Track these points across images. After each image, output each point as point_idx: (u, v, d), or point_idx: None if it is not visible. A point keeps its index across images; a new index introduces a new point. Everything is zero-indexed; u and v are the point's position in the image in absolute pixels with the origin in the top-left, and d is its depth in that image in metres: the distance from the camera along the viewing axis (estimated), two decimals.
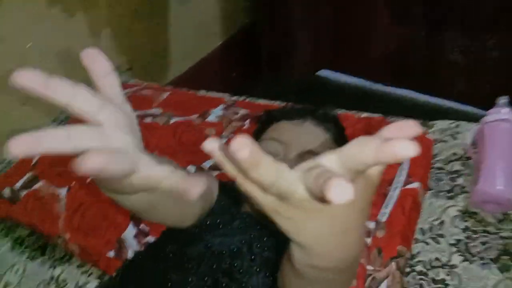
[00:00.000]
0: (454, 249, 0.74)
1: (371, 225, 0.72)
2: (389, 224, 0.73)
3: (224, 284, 0.56)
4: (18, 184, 0.91)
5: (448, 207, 0.80)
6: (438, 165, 0.87)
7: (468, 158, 0.86)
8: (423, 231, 0.78)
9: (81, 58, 0.33)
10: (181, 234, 0.61)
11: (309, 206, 0.29)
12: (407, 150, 0.25)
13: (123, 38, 1.49)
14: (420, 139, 0.87)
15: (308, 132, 0.71)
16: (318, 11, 1.95)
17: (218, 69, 2.00)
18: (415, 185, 0.78)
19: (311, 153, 0.67)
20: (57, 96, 0.29)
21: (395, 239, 0.71)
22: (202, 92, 1.17)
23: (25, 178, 0.91)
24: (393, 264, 0.68)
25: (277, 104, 1.07)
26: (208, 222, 0.62)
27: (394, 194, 0.76)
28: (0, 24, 1.15)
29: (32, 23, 1.22)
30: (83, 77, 0.35)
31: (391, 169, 0.80)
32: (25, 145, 0.27)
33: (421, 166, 0.82)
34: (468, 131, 0.90)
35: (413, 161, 0.82)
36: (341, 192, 0.24)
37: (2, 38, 1.15)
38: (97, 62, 0.33)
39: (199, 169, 0.87)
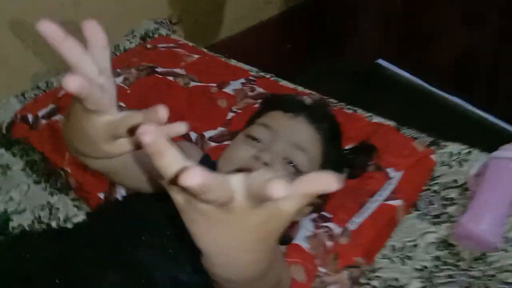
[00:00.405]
0: (417, 274, 0.73)
1: (337, 230, 0.73)
2: (356, 234, 0.73)
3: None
4: (41, 113, 0.99)
5: (428, 232, 0.79)
6: (434, 188, 0.85)
7: (467, 189, 0.83)
8: (394, 248, 0.77)
9: (81, 28, 0.38)
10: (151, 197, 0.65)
11: (213, 214, 0.31)
12: (277, 191, 0.26)
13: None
14: (423, 158, 0.84)
15: (299, 127, 0.71)
16: None
17: (272, 38, 1.99)
18: (396, 202, 0.77)
19: (297, 147, 0.68)
20: (69, 54, 0.35)
21: (356, 249, 0.71)
22: (233, 62, 1.18)
23: (48, 108, 0.99)
24: (345, 273, 0.69)
25: (300, 89, 1.07)
26: None
27: (371, 206, 0.76)
28: None
29: None
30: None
31: (378, 181, 0.79)
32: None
33: (412, 185, 0.80)
34: (478, 161, 0.86)
35: (405, 178, 0.80)
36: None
37: None
38: (96, 34, 0.38)
39: (200, 136, 0.91)
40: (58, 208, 0.87)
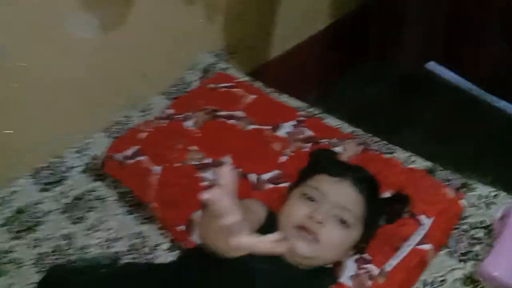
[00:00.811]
0: None
1: (376, 271, 0.89)
2: (392, 274, 0.88)
3: None
4: (126, 153, 1.19)
5: (456, 268, 0.93)
6: (463, 227, 0.98)
7: (492, 230, 0.95)
8: (425, 283, 0.92)
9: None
10: None
11: None
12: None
13: (233, 23, 1.67)
14: (452, 204, 0.97)
15: (345, 191, 0.86)
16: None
17: (320, 51, 2.10)
18: (427, 246, 0.91)
19: (343, 208, 0.83)
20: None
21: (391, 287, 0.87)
22: (285, 97, 1.34)
23: (133, 149, 1.20)
24: None
25: (345, 126, 1.22)
26: None
27: (405, 250, 0.90)
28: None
29: (159, 7, 1.44)
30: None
31: (411, 227, 0.93)
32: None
33: (441, 230, 0.94)
34: (504, 204, 0.97)
35: (435, 224, 0.94)
36: None
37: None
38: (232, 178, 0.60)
39: (258, 178, 1.08)
40: (148, 236, 1.08)
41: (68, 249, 1.08)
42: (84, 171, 1.28)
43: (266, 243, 0.59)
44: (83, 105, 1.34)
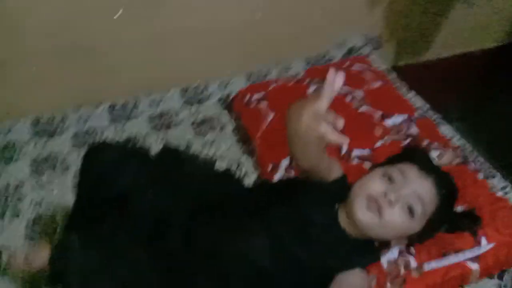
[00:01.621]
0: None
1: (414, 264, 0.93)
2: (428, 274, 0.93)
3: None
4: (254, 97, 1.40)
5: None
6: None
7: None
8: None
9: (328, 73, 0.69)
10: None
11: None
12: None
13: (394, 15, 1.72)
14: None
15: (426, 186, 0.87)
16: None
17: (479, 68, 2.00)
18: (473, 266, 0.93)
19: (418, 200, 0.85)
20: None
21: (421, 284, 0.92)
22: (411, 94, 1.38)
23: (260, 94, 1.41)
24: None
25: (456, 138, 1.22)
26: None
27: (452, 259, 0.93)
28: None
29: None
30: None
31: (468, 243, 0.94)
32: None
33: (496, 259, 0.94)
34: None
35: (493, 251, 0.94)
36: None
37: None
38: (336, 82, 0.69)
39: (349, 151, 1.18)
40: (243, 165, 1.29)
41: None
42: (219, 100, 1.55)
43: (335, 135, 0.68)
44: (242, 52, 1.61)
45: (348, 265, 0.89)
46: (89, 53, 1.45)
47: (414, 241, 0.93)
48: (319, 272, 0.88)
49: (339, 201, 0.92)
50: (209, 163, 1.16)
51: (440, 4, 1.73)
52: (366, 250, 0.93)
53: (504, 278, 0.96)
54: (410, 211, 0.84)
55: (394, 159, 0.97)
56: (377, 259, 0.95)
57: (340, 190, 0.92)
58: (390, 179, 0.86)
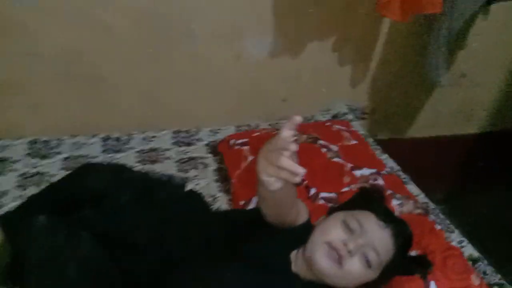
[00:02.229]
0: None
1: None
2: None
3: None
4: (238, 141, 1.50)
5: None
6: None
7: None
8: None
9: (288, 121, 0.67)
10: None
11: None
12: None
13: (378, 89, 1.87)
14: None
15: (382, 237, 0.91)
16: None
17: (463, 153, 2.10)
18: None
19: (374, 250, 0.88)
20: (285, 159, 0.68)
21: None
22: (384, 156, 1.47)
23: (243, 140, 1.50)
24: None
25: (422, 196, 1.28)
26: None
27: None
28: None
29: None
30: None
31: (418, 286, 0.96)
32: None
33: None
34: None
35: None
36: None
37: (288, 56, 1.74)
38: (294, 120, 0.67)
39: (316, 193, 1.24)
40: (219, 200, 1.35)
41: None
42: (207, 145, 1.65)
43: (292, 167, 0.67)
44: (235, 104, 1.75)
45: None
46: (93, 86, 1.59)
47: (369, 287, 0.95)
48: None
49: (300, 244, 0.95)
50: (179, 185, 1.23)
51: (422, 86, 1.89)
52: None
53: None
54: (367, 261, 0.88)
55: (352, 202, 1.03)
56: None
57: (303, 235, 0.95)
58: (348, 228, 0.90)
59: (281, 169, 0.68)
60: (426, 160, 1.94)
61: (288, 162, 0.67)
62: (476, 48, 1.82)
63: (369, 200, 1.03)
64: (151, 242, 0.98)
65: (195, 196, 1.16)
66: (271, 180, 0.71)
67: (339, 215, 0.94)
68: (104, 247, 0.92)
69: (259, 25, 1.62)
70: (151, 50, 1.58)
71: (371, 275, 0.91)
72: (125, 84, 1.63)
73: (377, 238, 0.90)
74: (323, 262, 0.88)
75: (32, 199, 1.09)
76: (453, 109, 1.99)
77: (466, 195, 2.09)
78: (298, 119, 0.68)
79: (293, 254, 0.97)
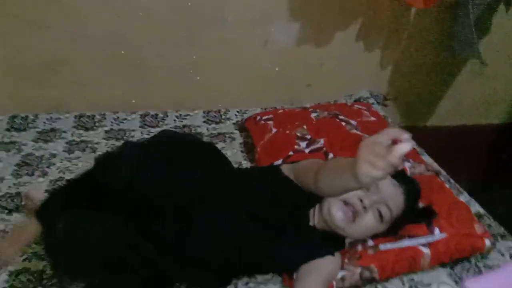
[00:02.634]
0: None
1: (371, 243, 1.04)
2: (382, 253, 1.02)
3: None
4: (264, 117, 1.62)
5: (446, 283, 0.99)
6: (480, 264, 1.03)
7: None
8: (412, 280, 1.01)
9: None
10: None
11: None
12: None
13: (402, 77, 1.95)
14: (472, 236, 1.03)
15: (396, 195, 1.00)
16: None
17: (482, 144, 2.13)
18: (424, 250, 1.02)
19: (387, 206, 0.98)
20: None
21: (374, 260, 1.01)
22: None
23: (268, 116, 1.62)
24: (359, 269, 1.00)
25: (436, 165, 1.35)
26: None
27: (405, 243, 1.03)
28: None
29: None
30: None
31: (422, 231, 1.05)
32: None
33: (447, 248, 1.03)
34: None
35: (445, 241, 1.03)
36: None
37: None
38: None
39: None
40: (243, 166, 1.47)
41: None
42: (234, 123, 1.78)
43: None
44: (262, 89, 1.88)
45: (317, 255, 1.00)
46: (133, 66, 1.75)
47: (378, 236, 1.04)
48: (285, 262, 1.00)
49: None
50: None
51: (444, 74, 1.96)
52: (334, 240, 1.04)
53: (455, 269, 1.02)
54: (380, 215, 0.98)
55: None
56: (343, 246, 1.06)
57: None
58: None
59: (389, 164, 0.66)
60: (446, 150, 1.98)
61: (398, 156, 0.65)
62: (497, 39, 1.88)
63: None
64: (176, 203, 1.01)
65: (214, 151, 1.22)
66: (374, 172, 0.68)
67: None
68: (130, 216, 0.95)
69: (286, 12, 1.74)
70: (185, 34, 1.73)
71: (382, 227, 1.01)
72: (162, 65, 1.78)
73: (390, 195, 0.99)
74: (339, 217, 0.97)
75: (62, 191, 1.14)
76: (474, 100, 2.04)
77: (488, 187, 2.11)
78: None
79: (311, 211, 1.06)
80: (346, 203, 0.97)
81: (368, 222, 0.97)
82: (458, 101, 2.04)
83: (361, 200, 0.96)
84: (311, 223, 1.05)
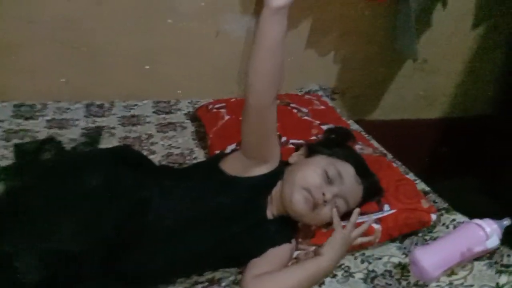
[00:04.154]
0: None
1: None
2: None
3: None
4: (216, 105, 1.61)
5: (396, 256, 1.02)
6: (426, 237, 1.07)
7: None
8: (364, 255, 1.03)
9: None
10: None
11: None
12: None
13: (347, 72, 2.01)
14: (419, 211, 1.07)
15: (358, 192, 1.01)
16: None
17: (425, 138, 2.24)
18: (375, 226, 1.04)
19: (346, 202, 0.98)
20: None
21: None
22: (350, 121, 1.59)
23: (221, 104, 1.61)
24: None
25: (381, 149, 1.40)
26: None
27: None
28: None
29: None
30: None
31: (372, 208, 1.07)
32: None
33: (396, 223, 1.06)
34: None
35: (394, 216, 1.06)
36: None
37: None
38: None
39: (287, 140, 1.34)
40: (194, 153, 1.44)
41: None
42: (186, 114, 1.75)
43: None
44: (215, 79, 1.86)
45: (275, 245, 0.98)
46: (82, 53, 1.68)
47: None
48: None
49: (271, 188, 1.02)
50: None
51: (388, 68, 2.04)
52: (289, 225, 1.03)
53: (404, 243, 1.06)
54: (337, 209, 0.98)
55: (331, 141, 1.11)
56: (297, 228, 1.05)
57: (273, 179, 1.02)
58: (327, 176, 0.96)
59: None
60: (391, 143, 2.06)
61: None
62: (436, 35, 1.99)
63: (352, 156, 1.06)
64: None
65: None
66: None
67: (321, 162, 1.00)
68: None
69: (238, 3, 1.75)
70: (136, 22, 1.69)
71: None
72: (112, 53, 1.72)
73: (351, 191, 0.99)
74: (300, 205, 0.96)
75: None
76: (416, 94, 2.15)
77: (430, 179, 2.21)
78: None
79: (268, 199, 1.02)
80: (308, 191, 0.96)
81: (326, 214, 0.97)
82: (401, 95, 2.13)
83: (323, 194, 0.95)
84: (268, 212, 1.02)
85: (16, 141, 1.47)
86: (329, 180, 0.96)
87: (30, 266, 0.80)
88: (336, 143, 1.10)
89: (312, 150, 1.07)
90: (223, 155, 1.08)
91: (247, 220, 0.97)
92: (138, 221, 0.89)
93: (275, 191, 1.02)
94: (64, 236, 0.84)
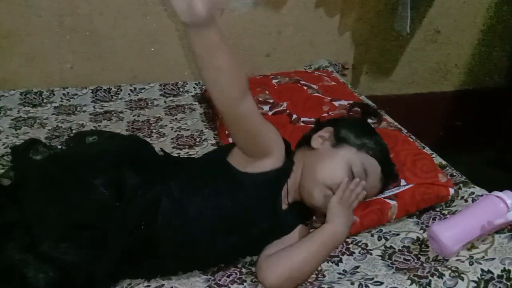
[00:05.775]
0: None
1: None
2: None
3: None
4: None
5: (414, 231, 1.00)
6: (445, 211, 1.04)
7: None
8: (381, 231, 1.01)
9: None
10: None
11: None
12: None
13: (357, 46, 1.96)
14: (438, 186, 1.04)
15: (377, 187, 0.97)
16: None
17: (440, 111, 2.18)
18: (391, 202, 1.02)
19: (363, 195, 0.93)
20: None
21: None
22: (357, 92, 1.55)
23: None
24: None
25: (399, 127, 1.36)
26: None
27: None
28: None
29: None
30: None
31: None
32: None
33: (413, 199, 1.03)
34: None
35: (410, 191, 1.03)
36: None
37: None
38: None
39: (298, 118, 1.31)
40: (205, 135, 1.42)
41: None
42: (193, 96, 1.72)
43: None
44: None
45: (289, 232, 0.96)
46: (88, 38, 1.66)
47: None
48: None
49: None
50: None
51: (398, 40, 1.98)
52: (304, 210, 1.00)
53: (422, 218, 1.03)
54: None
55: (361, 131, 1.00)
56: (311, 212, 1.01)
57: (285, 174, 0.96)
58: (351, 172, 0.92)
59: None
60: (404, 118, 2.01)
61: None
62: (448, 4, 1.92)
63: (380, 153, 0.98)
64: None
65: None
66: None
67: (347, 156, 0.94)
68: None
69: None
70: (139, 4, 1.65)
71: None
72: (115, 37, 1.70)
73: (372, 188, 0.96)
74: (320, 202, 0.93)
75: None
76: (429, 67, 2.08)
77: (445, 153, 2.17)
78: None
79: (284, 190, 0.96)
80: (330, 189, 0.92)
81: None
82: (413, 68, 2.07)
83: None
84: (283, 204, 0.97)
85: (25, 129, 1.47)
86: (352, 175, 0.92)
87: (39, 271, 0.79)
88: (363, 128, 1.02)
89: (339, 138, 0.98)
90: (229, 148, 0.99)
91: (263, 220, 0.93)
92: (147, 227, 0.87)
93: (291, 182, 0.97)
94: (71, 249, 0.82)
